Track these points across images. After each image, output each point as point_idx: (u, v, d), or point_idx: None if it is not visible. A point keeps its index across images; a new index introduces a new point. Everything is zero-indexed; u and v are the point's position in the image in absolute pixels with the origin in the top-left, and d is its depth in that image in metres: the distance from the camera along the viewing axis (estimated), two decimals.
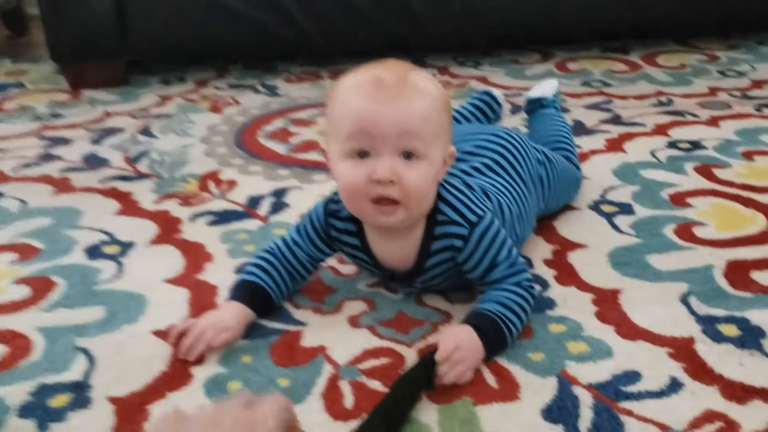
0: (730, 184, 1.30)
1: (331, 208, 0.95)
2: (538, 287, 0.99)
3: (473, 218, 0.90)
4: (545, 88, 1.39)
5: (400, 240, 0.92)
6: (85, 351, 0.90)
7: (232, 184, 1.34)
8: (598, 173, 1.34)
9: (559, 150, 1.22)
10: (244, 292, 0.94)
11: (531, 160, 1.10)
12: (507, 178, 1.05)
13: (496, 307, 0.88)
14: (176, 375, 0.85)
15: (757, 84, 1.84)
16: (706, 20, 2.18)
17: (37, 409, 0.80)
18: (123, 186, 1.35)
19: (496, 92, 1.41)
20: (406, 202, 0.85)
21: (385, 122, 0.82)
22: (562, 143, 1.25)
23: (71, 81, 1.93)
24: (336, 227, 0.95)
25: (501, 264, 0.91)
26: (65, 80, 1.95)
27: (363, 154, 0.84)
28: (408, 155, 0.84)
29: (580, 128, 1.56)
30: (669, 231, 1.14)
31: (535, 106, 1.37)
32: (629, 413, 0.78)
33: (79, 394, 0.82)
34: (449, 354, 0.81)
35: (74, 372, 0.86)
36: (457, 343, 0.83)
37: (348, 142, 0.84)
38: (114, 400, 0.81)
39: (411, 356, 0.87)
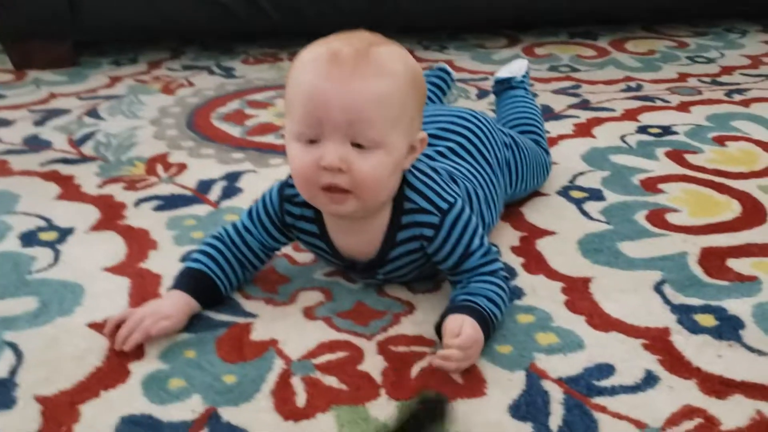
0: (703, 169, 1.25)
1: (287, 192, 0.87)
2: None
3: (444, 205, 0.84)
4: (514, 68, 1.33)
5: (363, 228, 0.85)
6: (12, 345, 0.82)
7: (181, 167, 1.27)
8: (567, 158, 1.29)
9: (527, 133, 1.17)
10: (188, 280, 0.87)
11: (497, 143, 1.04)
12: (473, 162, 0.99)
13: (484, 302, 0.81)
14: (112, 371, 0.78)
15: (727, 70, 1.81)
16: (675, 7, 2.15)
17: None
18: (65, 169, 1.26)
19: (448, 66, 1.36)
20: (358, 192, 0.78)
21: (334, 108, 0.75)
22: (530, 126, 1.19)
23: (15, 61, 1.83)
24: (292, 213, 0.88)
25: (475, 253, 0.84)
26: (8, 60, 1.85)
27: (313, 139, 0.77)
28: (359, 145, 0.76)
29: (548, 113, 1.51)
30: (641, 217, 1.09)
31: (503, 87, 1.31)
32: (603, 409, 0.73)
33: (3, 393, 0.75)
34: (471, 344, 0.76)
35: None
36: (475, 339, 0.77)
37: (298, 125, 0.77)
38: (41, 400, 0.74)
39: (370, 349, 0.81)
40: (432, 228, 0.83)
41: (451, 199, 0.84)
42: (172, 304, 0.84)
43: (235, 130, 1.43)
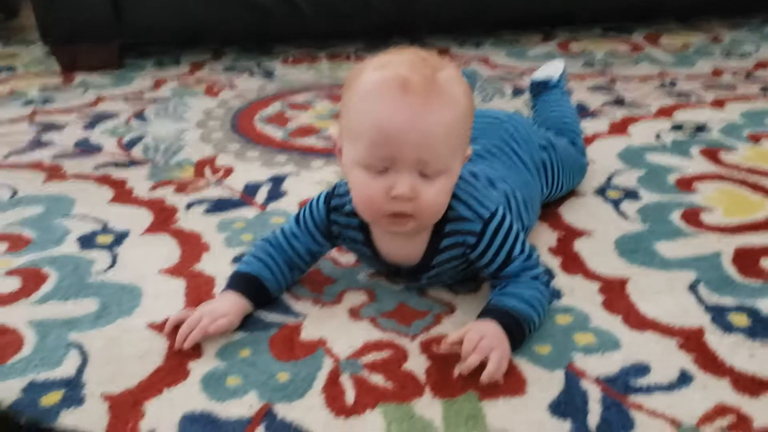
0: (737, 168, 1.27)
1: (334, 203, 0.91)
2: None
3: (485, 213, 0.87)
4: (551, 69, 1.36)
5: (408, 238, 0.89)
6: (78, 346, 0.87)
7: (228, 170, 1.31)
8: (603, 157, 1.31)
9: (563, 134, 1.19)
10: (241, 282, 0.92)
11: (533, 144, 1.07)
12: (510, 163, 1.02)
13: (519, 305, 0.84)
14: (172, 370, 0.82)
15: (762, 65, 1.81)
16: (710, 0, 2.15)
17: (29, 407, 0.78)
18: (117, 173, 1.32)
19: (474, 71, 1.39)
20: (419, 216, 0.82)
21: (407, 144, 0.77)
22: (566, 127, 1.22)
23: (63, 64, 1.90)
24: (338, 222, 0.92)
25: (516, 258, 0.88)
26: (57, 63, 1.91)
27: (381, 168, 0.79)
28: (425, 173, 0.79)
29: (583, 111, 1.53)
30: (676, 217, 1.12)
31: (540, 89, 1.34)
32: (639, 408, 0.76)
33: (72, 391, 0.80)
34: (475, 343, 0.79)
35: (67, 368, 0.83)
36: (481, 334, 0.80)
37: (367, 155, 0.79)
38: (108, 398, 0.79)
39: (413, 349, 0.85)
40: (474, 236, 0.87)
41: (492, 207, 0.87)
42: (228, 305, 0.88)
43: (277, 133, 1.48)
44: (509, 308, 0.84)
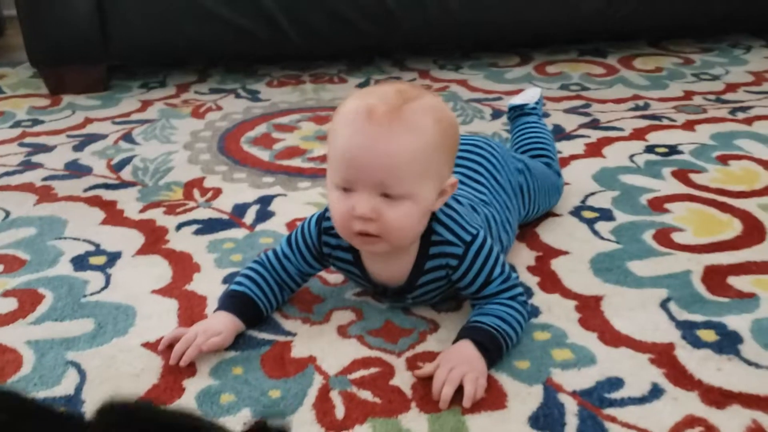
0: (706, 188, 1.33)
1: (325, 225, 0.95)
2: None
3: (467, 237, 0.91)
4: (528, 95, 1.41)
5: (394, 259, 0.93)
6: (75, 365, 0.90)
7: (216, 191, 1.35)
8: (579, 179, 1.36)
9: (540, 157, 1.25)
10: (233, 301, 0.96)
11: (510, 168, 1.12)
12: (488, 187, 1.07)
13: (493, 320, 0.89)
14: (168, 388, 0.86)
15: (731, 87, 1.88)
16: (681, 23, 2.22)
17: None
18: (107, 194, 1.35)
19: None
20: (386, 237, 0.86)
21: (366, 166, 0.82)
22: (543, 150, 1.27)
23: (51, 86, 1.92)
24: (329, 243, 0.96)
25: (495, 280, 0.92)
26: (44, 85, 1.94)
27: (348, 188, 0.85)
28: (389, 195, 0.84)
29: (560, 132, 1.59)
30: (648, 237, 1.17)
31: (517, 113, 1.39)
32: (613, 420, 0.80)
33: (72, 409, 0.83)
34: (442, 380, 0.83)
35: (65, 386, 0.86)
36: (451, 365, 0.84)
37: (336, 175, 0.86)
38: None
39: (400, 365, 0.89)
40: (456, 258, 0.91)
41: (474, 231, 0.92)
42: (221, 324, 0.92)
43: (264, 154, 1.52)
44: (485, 324, 0.89)
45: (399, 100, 0.84)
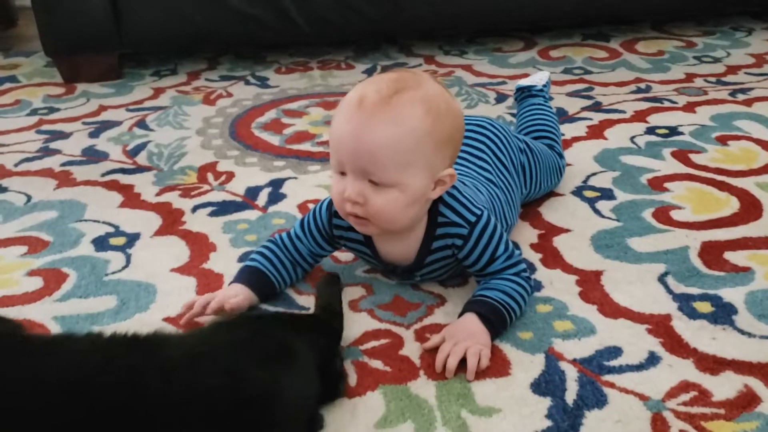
0: (705, 168, 1.36)
1: (335, 208, 0.98)
2: None
3: (472, 218, 0.95)
4: (536, 77, 1.45)
5: (402, 239, 0.97)
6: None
7: (230, 175, 1.40)
8: (581, 160, 1.40)
9: (542, 139, 1.28)
10: (247, 276, 1.00)
11: (513, 148, 1.16)
12: (492, 165, 1.11)
13: (498, 294, 0.93)
14: None
15: (732, 69, 1.91)
16: (683, 7, 2.25)
17: None
18: (124, 179, 1.40)
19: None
20: (374, 221, 0.91)
21: (350, 152, 0.87)
22: (546, 132, 1.30)
23: (65, 75, 1.97)
24: (340, 226, 1.00)
25: (499, 257, 0.96)
26: (59, 74, 1.98)
27: (342, 172, 0.90)
28: (375, 182, 0.88)
29: (562, 115, 1.62)
30: (648, 215, 1.21)
31: (524, 95, 1.42)
32: (611, 385, 0.84)
33: None
34: (446, 353, 0.87)
35: None
36: (454, 339, 0.88)
37: (331, 158, 0.91)
38: None
39: (408, 337, 0.94)
40: (461, 238, 0.95)
41: (478, 212, 0.96)
42: (235, 289, 0.97)
43: (274, 139, 1.56)
44: (488, 298, 0.93)
45: (392, 89, 0.87)
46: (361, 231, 0.95)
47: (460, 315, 0.93)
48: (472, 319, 0.91)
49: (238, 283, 0.99)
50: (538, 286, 1.03)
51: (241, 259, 1.11)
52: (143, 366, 0.68)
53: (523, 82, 1.45)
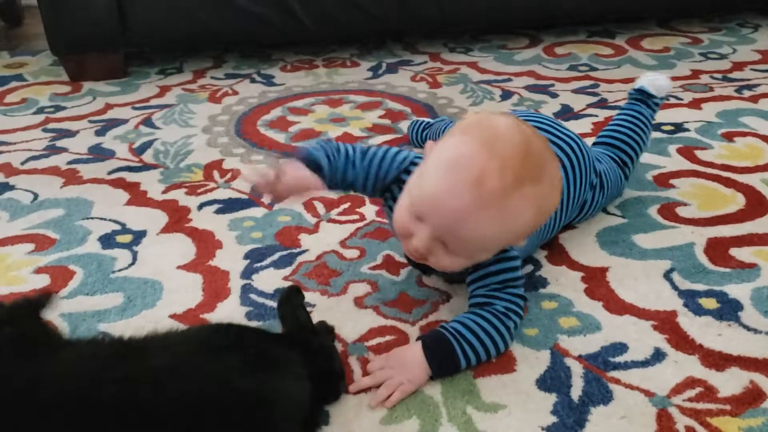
0: (711, 165, 1.36)
1: (405, 177, 0.93)
2: (530, 267, 1.06)
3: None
4: (660, 83, 1.29)
5: None
6: (107, 335, 0.95)
7: (236, 173, 1.40)
8: None
9: (621, 158, 1.22)
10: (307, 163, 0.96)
11: (584, 180, 1.08)
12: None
13: (457, 326, 0.88)
14: None
15: (738, 66, 1.90)
16: (689, 3, 2.24)
17: None
18: (130, 177, 1.40)
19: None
20: (433, 267, 0.88)
21: (443, 221, 0.80)
22: (628, 155, 1.22)
23: (72, 73, 1.97)
24: (394, 196, 0.95)
25: (491, 286, 0.91)
26: (65, 72, 1.99)
27: (418, 218, 0.84)
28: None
29: (567, 112, 1.62)
30: (653, 211, 1.21)
31: (640, 97, 1.29)
32: (617, 381, 0.84)
33: None
34: (373, 371, 0.86)
35: None
36: (388, 363, 0.85)
37: (411, 200, 0.84)
38: None
39: (413, 333, 0.94)
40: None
41: (514, 254, 0.92)
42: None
43: (280, 137, 1.56)
44: (442, 327, 0.88)
45: (516, 177, 0.78)
46: (419, 261, 0.89)
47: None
48: (414, 349, 0.86)
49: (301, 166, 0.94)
50: (543, 282, 1.03)
51: (247, 256, 1.11)
52: (135, 376, 0.68)
53: (645, 84, 1.29)
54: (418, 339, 0.88)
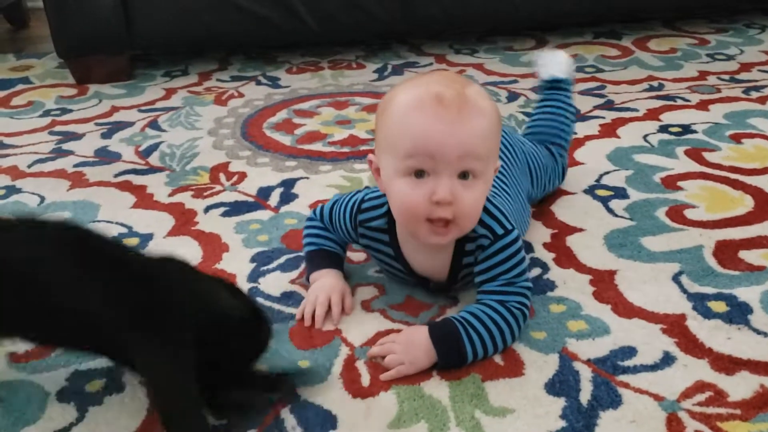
0: (719, 166, 1.35)
1: (361, 217, 0.98)
2: (538, 270, 1.06)
3: (500, 231, 0.92)
4: (558, 66, 1.31)
5: (434, 253, 0.95)
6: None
7: (241, 175, 1.40)
8: (593, 158, 1.40)
9: (552, 145, 1.25)
10: (327, 261, 1.03)
11: (518, 152, 1.14)
12: (508, 172, 1.09)
13: (465, 315, 0.89)
14: None
15: (745, 67, 1.90)
16: (696, 4, 2.24)
17: (75, 393, 0.86)
18: (136, 179, 1.40)
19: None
20: (460, 222, 0.87)
21: (449, 144, 0.83)
22: (555, 143, 1.26)
23: (78, 76, 1.97)
24: (366, 236, 0.99)
25: (500, 278, 0.91)
26: (71, 75, 1.99)
27: (420, 174, 0.85)
28: (465, 175, 0.85)
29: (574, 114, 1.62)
30: (661, 213, 1.20)
31: (552, 84, 1.32)
32: (626, 385, 0.84)
33: (113, 378, 0.88)
34: (384, 345, 0.89)
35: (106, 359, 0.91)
36: (398, 339, 0.89)
37: (407, 161, 0.85)
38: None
39: None
40: (482, 250, 0.92)
41: (509, 227, 0.93)
42: (332, 280, 1.00)
43: (285, 139, 1.56)
44: (451, 316, 0.90)
45: (457, 85, 0.86)
46: (437, 242, 0.89)
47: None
48: (421, 332, 0.88)
49: (322, 270, 1.01)
50: (551, 285, 1.03)
51: (253, 259, 1.11)
52: None
53: (546, 72, 1.32)
54: (429, 323, 0.90)
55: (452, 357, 0.87)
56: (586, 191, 1.28)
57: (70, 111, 1.79)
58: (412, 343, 0.87)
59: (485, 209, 0.92)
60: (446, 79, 0.88)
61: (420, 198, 0.85)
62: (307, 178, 1.38)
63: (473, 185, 0.86)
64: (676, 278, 1.03)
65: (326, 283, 0.99)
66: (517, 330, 0.90)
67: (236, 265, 1.10)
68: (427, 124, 0.84)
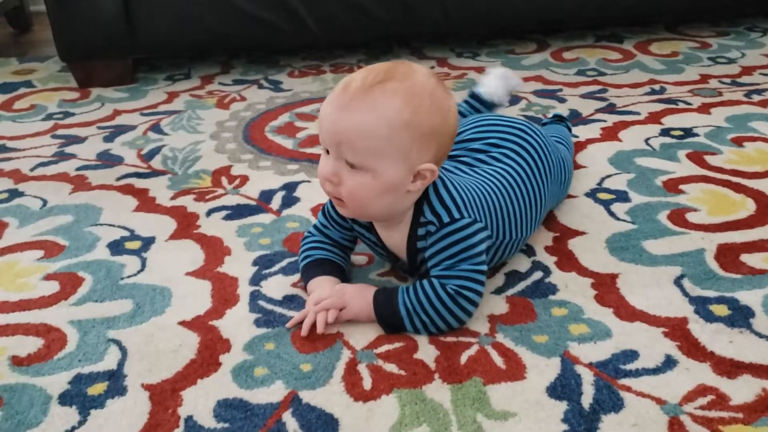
0: (721, 170, 1.35)
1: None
2: (539, 273, 1.06)
3: (446, 219, 0.94)
4: (497, 89, 1.38)
5: (393, 232, 0.99)
6: (117, 342, 0.95)
7: (243, 179, 1.40)
8: (595, 162, 1.40)
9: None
10: (320, 268, 1.03)
11: (553, 158, 1.15)
12: (524, 173, 1.08)
13: (408, 286, 0.96)
14: (205, 363, 0.91)
15: (747, 70, 1.90)
16: (697, 7, 2.24)
17: (77, 396, 0.86)
18: (139, 183, 1.40)
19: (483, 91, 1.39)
20: (348, 204, 0.93)
21: (328, 129, 0.89)
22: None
23: (80, 80, 1.98)
24: (356, 221, 1.03)
25: (443, 263, 0.94)
26: (73, 78, 2.00)
27: (327, 151, 0.92)
28: (352, 164, 0.89)
29: (576, 117, 1.62)
30: (663, 217, 1.20)
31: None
32: (628, 389, 0.84)
33: (115, 382, 0.88)
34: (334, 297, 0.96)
35: (108, 362, 0.92)
36: (345, 290, 0.97)
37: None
38: (148, 387, 0.87)
39: (423, 340, 0.93)
40: (430, 236, 0.95)
41: (457, 216, 0.94)
42: (327, 286, 1.00)
43: (287, 143, 1.56)
44: (398, 294, 0.95)
45: (377, 79, 0.88)
46: (340, 212, 0.97)
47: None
48: (367, 290, 0.96)
49: (317, 278, 1.01)
50: (553, 289, 1.03)
51: (255, 262, 1.11)
52: None
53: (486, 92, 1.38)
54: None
55: (388, 321, 0.94)
56: (587, 194, 1.28)
57: (73, 114, 1.79)
58: (354, 296, 0.96)
59: (439, 197, 0.95)
60: (382, 70, 0.90)
61: (319, 171, 0.94)
62: (309, 181, 1.38)
63: (357, 174, 0.90)
64: (677, 282, 1.03)
65: (322, 292, 0.98)
66: (457, 309, 0.93)
67: (238, 268, 1.10)
68: (325, 105, 0.91)
